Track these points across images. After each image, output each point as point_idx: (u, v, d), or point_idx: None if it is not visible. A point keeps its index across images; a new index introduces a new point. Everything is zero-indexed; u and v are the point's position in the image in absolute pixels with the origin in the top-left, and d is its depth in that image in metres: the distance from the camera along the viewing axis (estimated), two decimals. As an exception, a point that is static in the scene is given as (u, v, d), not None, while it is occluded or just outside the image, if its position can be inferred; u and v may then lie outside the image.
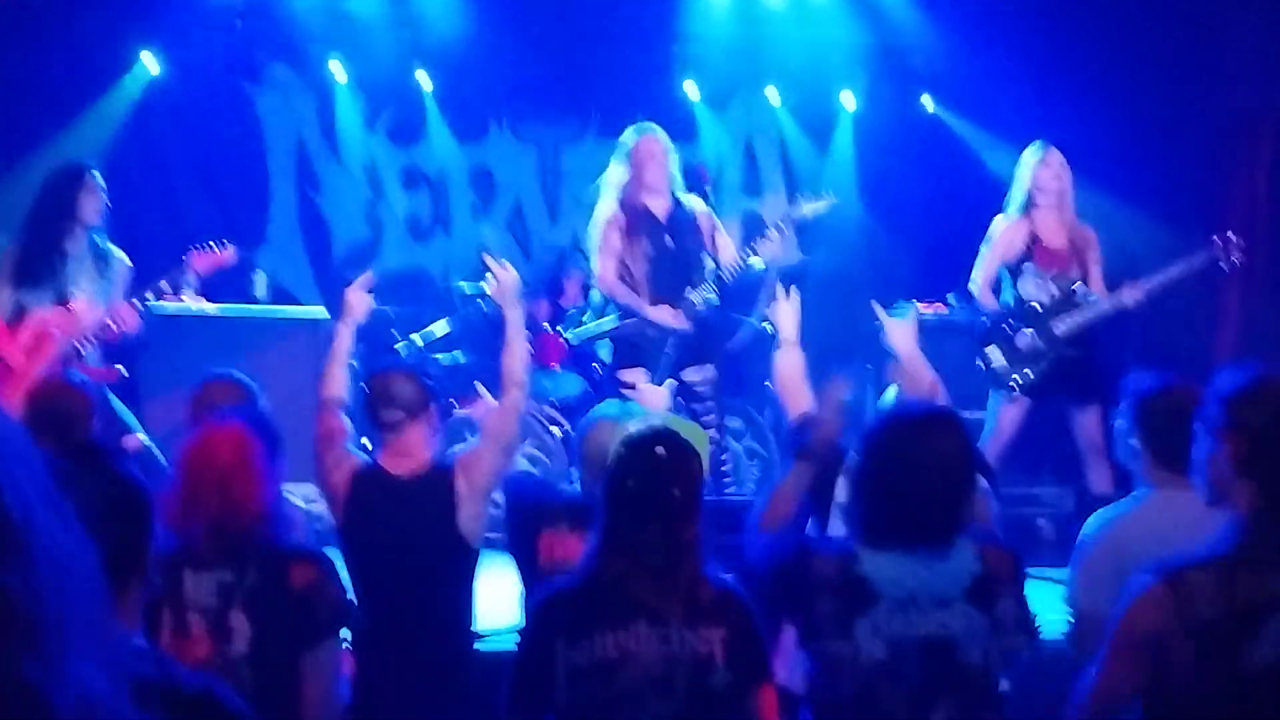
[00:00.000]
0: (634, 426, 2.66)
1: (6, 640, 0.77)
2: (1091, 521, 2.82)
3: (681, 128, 7.20)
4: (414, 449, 3.22)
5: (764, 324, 6.10)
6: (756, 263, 4.95)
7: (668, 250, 4.95)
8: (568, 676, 2.22)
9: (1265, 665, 1.95)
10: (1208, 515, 2.13)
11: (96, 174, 4.75)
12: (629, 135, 5.01)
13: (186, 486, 2.48)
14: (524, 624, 2.38)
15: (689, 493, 2.30)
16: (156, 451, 4.50)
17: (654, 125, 5.03)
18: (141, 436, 4.54)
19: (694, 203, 5.04)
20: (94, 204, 4.69)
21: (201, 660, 2.33)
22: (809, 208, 5.00)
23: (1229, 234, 4.96)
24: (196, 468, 2.49)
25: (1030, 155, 5.11)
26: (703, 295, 4.93)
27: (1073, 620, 2.73)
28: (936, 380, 2.99)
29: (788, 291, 3.12)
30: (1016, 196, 5.12)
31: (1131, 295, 4.95)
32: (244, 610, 2.39)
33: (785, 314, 3.07)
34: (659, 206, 4.98)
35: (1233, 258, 4.94)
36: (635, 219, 4.94)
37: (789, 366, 2.99)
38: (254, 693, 2.30)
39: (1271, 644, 1.94)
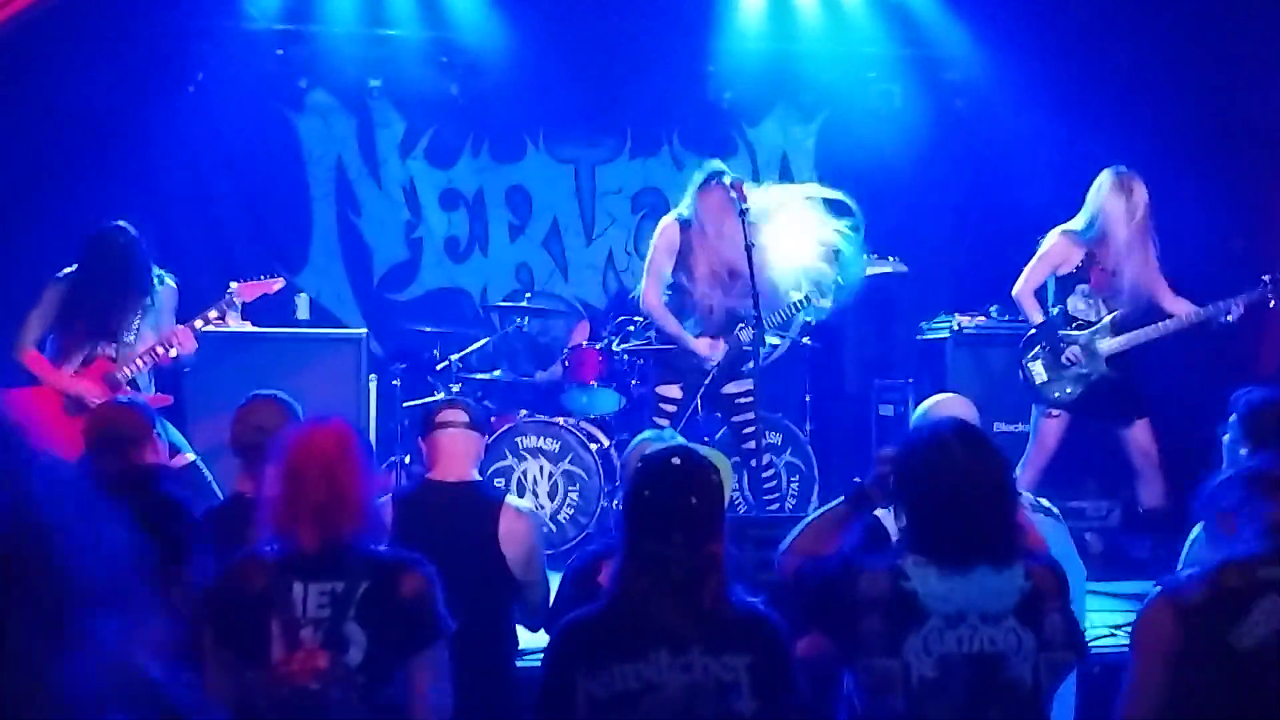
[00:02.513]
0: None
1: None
2: (1198, 527, 2.87)
3: (717, 144, 7.24)
4: (464, 458, 3.38)
5: (802, 339, 6.10)
6: (812, 307, 4.94)
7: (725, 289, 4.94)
8: (588, 708, 2.17)
9: (1256, 645, 2.00)
10: None
11: (134, 233, 4.73)
12: (709, 183, 4.94)
13: (291, 478, 2.49)
14: (545, 653, 2.34)
15: (707, 503, 2.25)
16: (205, 469, 4.58)
17: (728, 178, 4.92)
18: (190, 455, 4.61)
19: (755, 231, 4.93)
20: (139, 265, 4.71)
21: (320, 671, 2.34)
22: (873, 269, 4.96)
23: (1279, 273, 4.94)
24: (301, 459, 2.50)
25: (1105, 180, 4.96)
26: (751, 334, 4.92)
27: None
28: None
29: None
30: (1085, 215, 5.02)
31: (1178, 323, 4.94)
32: (358, 621, 2.41)
33: None
34: (724, 249, 4.93)
35: None
36: (700, 254, 4.92)
37: None
38: (366, 699, 2.36)
39: (1263, 624, 2.00)
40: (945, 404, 3.33)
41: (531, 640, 3.46)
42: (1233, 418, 2.78)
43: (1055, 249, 5.08)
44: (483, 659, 3.15)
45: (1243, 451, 2.75)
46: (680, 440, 3.41)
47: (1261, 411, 2.67)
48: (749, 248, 4.56)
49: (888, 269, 4.98)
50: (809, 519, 2.57)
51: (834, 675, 2.48)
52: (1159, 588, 2.13)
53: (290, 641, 2.38)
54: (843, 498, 2.55)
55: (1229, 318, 4.90)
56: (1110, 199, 4.93)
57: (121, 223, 4.74)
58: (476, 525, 3.24)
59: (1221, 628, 2.00)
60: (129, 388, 4.64)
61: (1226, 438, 2.81)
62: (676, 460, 2.29)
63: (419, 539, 3.11)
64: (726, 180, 4.88)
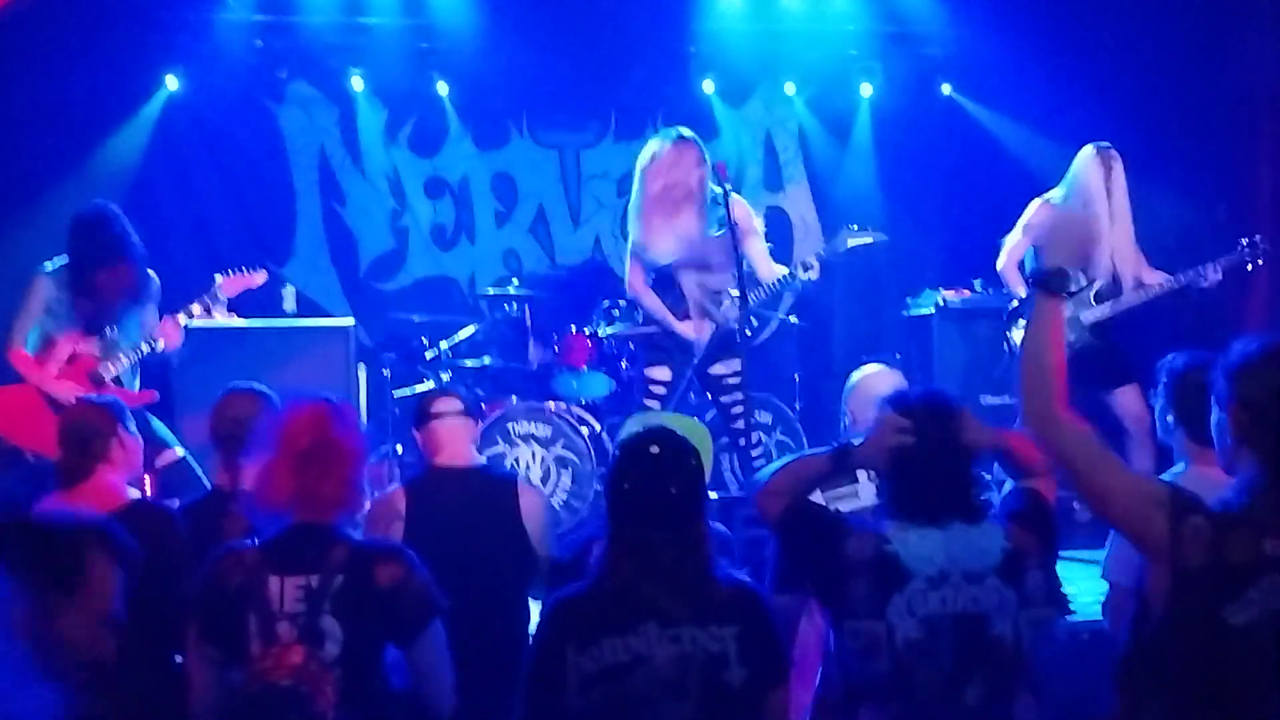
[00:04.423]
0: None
1: None
2: None
3: (701, 125, 7.22)
4: (464, 443, 3.43)
5: (789, 318, 6.10)
6: (798, 281, 4.93)
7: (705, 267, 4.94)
8: (579, 683, 2.19)
9: (1247, 623, 2.01)
10: None
11: (118, 212, 4.75)
12: (676, 142, 4.90)
13: (280, 432, 2.48)
14: (535, 631, 2.35)
15: (687, 490, 2.28)
16: (194, 464, 4.58)
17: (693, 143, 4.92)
18: (179, 451, 4.61)
19: (736, 209, 4.82)
20: (126, 242, 4.72)
21: (297, 666, 2.32)
22: (854, 240, 4.96)
23: (1256, 237, 4.99)
24: (292, 414, 2.50)
25: (1086, 156, 5.05)
26: (736, 311, 4.90)
27: (1108, 592, 2.83)
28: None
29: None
30: (1064, 190, 5.10)
31: (1157, 289, 5.01)
32: (334, 614, 2.38)
33: None
34: (699, 223, 4.90)
35: (1259, 260, 4.97)
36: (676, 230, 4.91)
37: None
38: (345, 692, 2.34)
39: (1258, 604, 2.01)
40: (873, 376, 3.44)
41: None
42: (1160, 385, 2.85)
43: (1035, 221, 5.13)
44: (502, 637, 3.19)
45: (1169, 418, 2.81)
46: (664, 419, 3.41)
47: (1183, 378, 2.74)
48: (732, 225, 4.56)
49: (868, 239, 4.98)
50: (788, 459, 2.56)
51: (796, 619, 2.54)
52: (1166, 489, 2.13)
53: (267, 637, 2.36)
54: (827, 450, 2.53)
55: (1205, 283, 4.96)
56: (1090, 174, 5.01)
57: (100, 201, 4.75)
58: (498, 506, 3.29)
59: (1218, 602, 2.01)
60: (113, 385, 4.63)
61: (1159, 404, 2.88)
62: (655, 449, 2.31)
63: (436, 525, 3.15)
64: (693, 142, 4.88)
